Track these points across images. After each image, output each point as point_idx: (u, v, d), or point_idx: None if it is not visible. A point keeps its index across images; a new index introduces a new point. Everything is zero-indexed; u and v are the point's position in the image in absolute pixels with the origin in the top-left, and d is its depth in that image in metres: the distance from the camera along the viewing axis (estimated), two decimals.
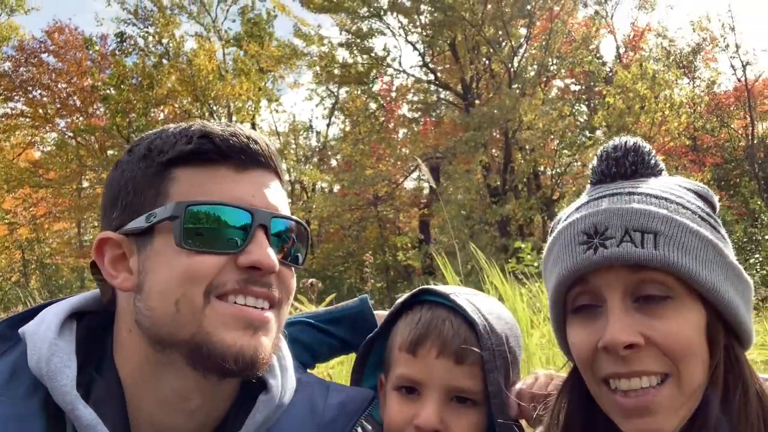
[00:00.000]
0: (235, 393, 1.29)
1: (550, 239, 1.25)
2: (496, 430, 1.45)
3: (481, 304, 1.55)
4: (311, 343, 1.50)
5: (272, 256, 1.18)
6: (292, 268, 1.27)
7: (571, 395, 1.26)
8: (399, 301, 1.62)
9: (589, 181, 1.32)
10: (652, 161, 1.28)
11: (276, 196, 1.25)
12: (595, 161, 1.30)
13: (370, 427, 1.60)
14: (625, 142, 1.28)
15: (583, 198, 1.26)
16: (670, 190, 1.20)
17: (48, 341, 1.17)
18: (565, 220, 1.22)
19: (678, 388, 1.09)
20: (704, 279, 1.10)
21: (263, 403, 1.27)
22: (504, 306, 1.66)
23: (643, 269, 1.10)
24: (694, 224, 1.13)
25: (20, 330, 1.23)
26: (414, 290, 1.65)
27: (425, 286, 1.64)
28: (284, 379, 1.33)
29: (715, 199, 1.25)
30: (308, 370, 1.61)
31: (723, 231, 1.21)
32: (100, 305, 1.29)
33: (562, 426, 1.24)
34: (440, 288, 1.60)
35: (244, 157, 1.21)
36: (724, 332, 1.13)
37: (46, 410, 1.13)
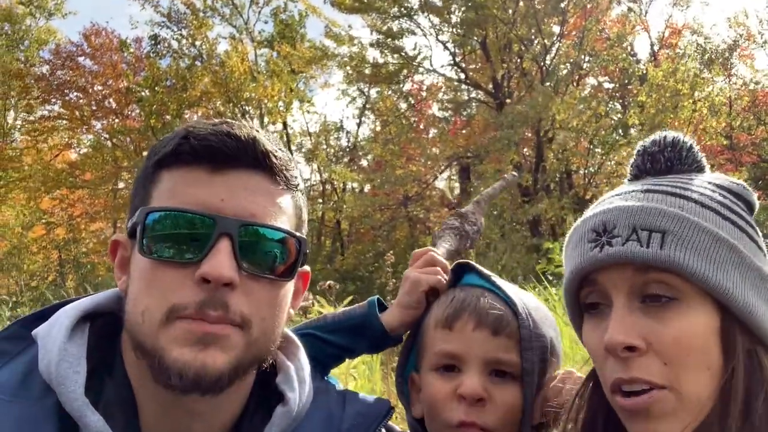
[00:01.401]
0: (244, 400, 1.26)
1: (568, 234, 1.23)
2: (526, 409, 1.45)
3: (521, 292, 1.58)
4: (316, 356, 1.47)
5: (224, 266, 1.09)
6: (275, 282, 1.18)
7: (591, 394, 1.22)
8: None
9: (626, 178, 1.28)
10: (690, 158, 1.23)
11: (257, 200, 1.16)
12: (632, 158, 1.27)
13: (397, 428, 1.57)
14: (664, 137, 1.24)
15: (606, 195, 1.24)
16: (695, 187, 1.15)
17: (58, 345, 1.15)
18: (582, 217, 1.20)
19: (676, 397, 1.04)
20: (714, 280, 1.04)
21: (280, 417, 1.24)
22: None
23: (650, 269, 1.06)
24: (708, 223, 1.08)
25: (33, 332, 1.22)
26: (454, 266, 1.65)
27: (465, 261, 1.65)
28: (302, 391, 1.29)
29: (753, 197, 1.19)
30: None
31: (753, 232, 1.14)
32: (115, 306, 1.27)
33: (581, 425, 1.21)
34: (481, 268, 1.61)
35: (220, 156, 1.14)
36: (747, 336, 1.07)
37: (59, 413, 1.11)
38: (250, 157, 1.16)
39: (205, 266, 1.09)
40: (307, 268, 1.36)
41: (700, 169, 1.23)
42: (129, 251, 1.21)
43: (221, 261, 1.09)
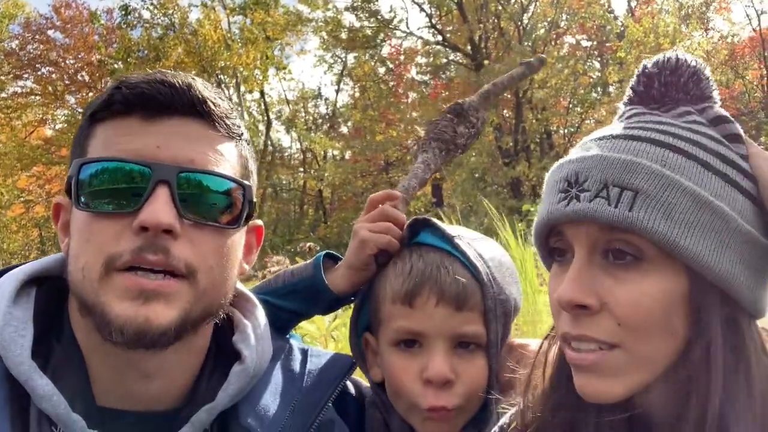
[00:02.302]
0: (200, 361, 1.23)
1: (547, 174, 1.13)
2: (492, 378, 1.40)
3: (483, 250, 1.47)
4: (273, 322, 1.40)
5: (161, 213, 1.05)
6: (221, 230, 1.14)
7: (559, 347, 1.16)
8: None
9: (622, 102, 1.16)
10: (690, 84, 1.08)
11: (195, 147, 1.11)
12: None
13: (364, 383, 1.54)
14: (668, 58, 1.09)
15: (594, 133, 1.12)
16: (687, 132, 1.03)
17: (2, 309, 1.11)
18: (563, 159, 1.10)
19: (627, 357, 0.98)
20: (685, 247, 0.94)
21: (236, 375, 1.20)
22: (503, 249, 1.58)
23: (615, 230, 0.97)
24: (690, 181, 0.96)
25: None
26: (410, 221, 1.52)
27: (423, 218, 1.52)
28: (259, 348, 1.26)
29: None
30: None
31: (748, 184, 1.02)
32: (62, 269, 1.21)
33: (548, 378, 1.15)
34: (441, 227, 1.48)
35: (153, 104, 1.10)
36: (725, 304, 0.98)
37: (9, 379, 1.08)
38: (186, 105, 1.12)
39: (143, 213, 1.05)
40: (259, 222, 1.33)
41: (701, 98, 1.09)
42: (69, 212, 1.17)
43: (159, 208, 1.05)
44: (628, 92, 1.15)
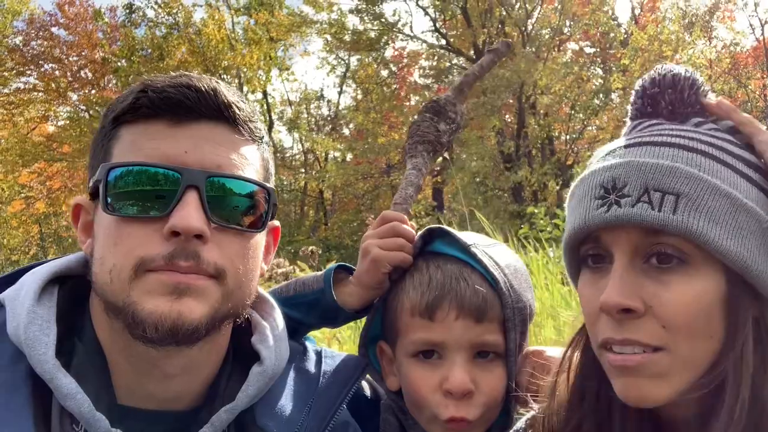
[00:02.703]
0: (219, 361, 1.24)
1: (572, 185, 1.14)
2: (510, 387, 1.40)
3: (499, 258, 1.46)
4: None
5: (192, 218, 1.07)
6: (246, 234, 1.17)
7: (584, 352, 1.16)
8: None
9: (628, 116, 1.19)
10: (693, 98, 1.12)
11: (222, 152, 1.13)
12: (632, 96, 1.17)
13: (380, 389, 1.54)
14: (664, 77, 1.13)
15: (616, 142, 1.14)
16: (711, 138, 1.06)
17: (26, 308, 1.12)
18: (590, 167, 1.11)
19: (671, 359, 0.99)
20: (728, 247, 0.96)
21: (256, 376, 1.22)
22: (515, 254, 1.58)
23: (659, 233, 0.99)
24: (725, 184, 0.99)
25: (0, 296, 1.19)
26: (424, 231, 1.50)
27: (437, 227, 1.51)
28: (278, 349, 1.27)
29: None
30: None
31: None
32: (84, 269, 1.22)
33: (571, 386, 1.15)
34: (456, 235, 1.47)
35: (180, 108, 1.11)
36: (755, 303, 1.00)
37: (32, 378, 1.08)
38: (212, 109, 1.13)
39: (174, 219, 1.07)
40: (276, 222, 1.34)
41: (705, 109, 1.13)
42: (92, 214, 1.18)
43: (190, 213, 1.07)
44: (633, 113, 1.17)
